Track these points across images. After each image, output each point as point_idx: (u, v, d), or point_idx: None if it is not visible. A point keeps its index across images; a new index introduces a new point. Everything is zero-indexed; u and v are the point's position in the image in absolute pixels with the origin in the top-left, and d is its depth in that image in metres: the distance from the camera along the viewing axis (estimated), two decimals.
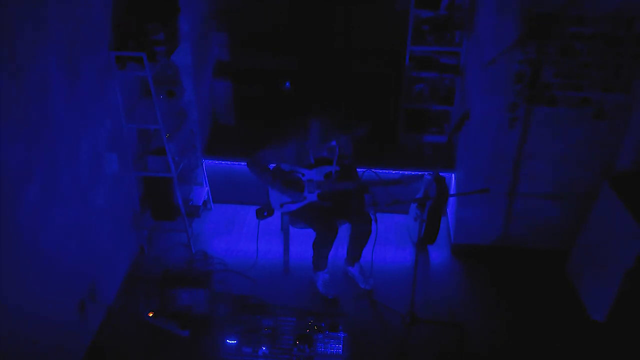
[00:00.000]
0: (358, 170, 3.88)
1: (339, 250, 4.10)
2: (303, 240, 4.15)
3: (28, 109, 2.62)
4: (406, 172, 4.10)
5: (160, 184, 3.95)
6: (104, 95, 3.41)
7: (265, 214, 3.87)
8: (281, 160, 3.71)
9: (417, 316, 3.57)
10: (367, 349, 3.49)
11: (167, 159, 3.80)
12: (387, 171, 4.20)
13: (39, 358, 2.89)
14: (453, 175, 4.47)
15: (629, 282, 3.34)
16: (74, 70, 3.01)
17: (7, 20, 2.41)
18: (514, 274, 4.12)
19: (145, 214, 4.12)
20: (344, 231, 3.98)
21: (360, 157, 3.97)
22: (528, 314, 3.78)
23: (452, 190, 4.47)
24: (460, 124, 3.71)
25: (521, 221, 4.12)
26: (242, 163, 4.48)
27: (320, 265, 3.86)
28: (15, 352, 2.68)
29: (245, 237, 4.41)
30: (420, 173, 3.68)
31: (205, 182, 4.61)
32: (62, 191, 2.98)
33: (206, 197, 4.63)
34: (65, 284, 3.10)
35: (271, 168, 3.75)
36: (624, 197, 3.50)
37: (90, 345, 3.39)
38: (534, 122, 3.71)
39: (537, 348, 3.55)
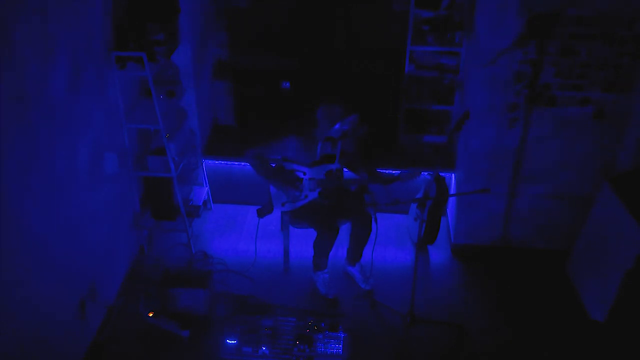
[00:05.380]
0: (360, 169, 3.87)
1: (339, 250, 4.10)
2: (303, 240, 4.15)
3: (28, 109, 2.62)
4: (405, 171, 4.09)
5: (160, 184, 3.95)
6: (104, 96, 3.42)
7: (266, 212, 3.87)
8: (282, 157, 3.70)
9: (417, 316, 3.57)
10: (367, 349, 3.49)
11: (167, 159, 3.80)
12: (387, 171, 4.20)
13: (39, 358, 2.89)
14: (453, 175, 4.47)
15: (629, 282, 3.34)
16: (74, 70, 3.01)
17: (6, 20, 2.41)
18: (514, 274, 4.12)
19: (145, 214, 4.12)
20: (344, 231, 3.98)
21: (360, 157, 3.96)
22: (528, 314, 3.78)
23: (452, 190, 4.47)
24: (460, 124, 3.71)
25: (521, 221, 4.12)
26: (242, 163, 4.49)
27: (320, 265, 3.86)
28: (15, 351, 2.68)
29: (245, 237, 4.41)
30: (417, 169, 3.67)
31: (205, 182, 4.61)
32: (62, 191, 2.98)
33: (206, 197, 4.63)
34: (65, 284, 3.10)
35: (274, 166, 3.75)
36: (624, 197, 3.50)
37: (90, 345, 3.39)
38: (534, 122, 3.71)
39: (537, 348, 3.55)
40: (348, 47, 4.70)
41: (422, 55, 4.32)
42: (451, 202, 4.46)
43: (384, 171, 3.86)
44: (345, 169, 3.84)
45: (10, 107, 2.48)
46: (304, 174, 3.69)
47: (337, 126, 3.53)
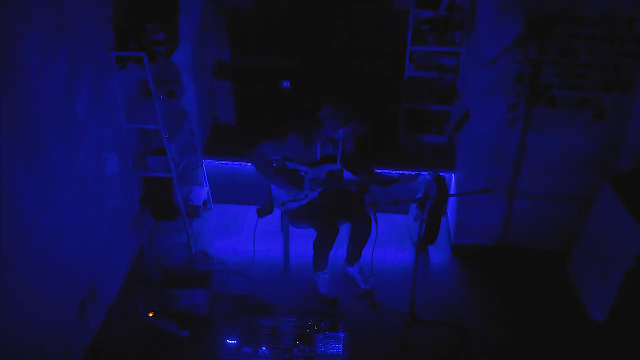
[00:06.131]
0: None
1: (339, 250, 4.10)
2: (303, 240, 4.15)
3: (28, 109, 2.62)
4: (405, 172, 4.09)
5: (160, 184, 3.95)
6: (104, 95, 3.41)
7: (266, 212, 3.87)
8: (284, 156, 3.70)
9: (417, 316, 3.57)
10: (367, 349, 3.49)
11: (167, 159, 3.80)
12: (387, 171, 4.20)
13: (39, 358, 2.89)
14: (453, 175, 4.47)
15: (629, 282, 3.34)
16: (74, 70, 3.01)
17: (6, 20, 2.41)
18: (514, 274, 4.12)
19: (145, 214, 4.12)
20: (344, 231, 3.98)
21: (360, 158, 3.96)
22: (528, 314, 3.78)
23: (452, 190, 4.47)
24: (460, 124, 3.71)
25: (521, 221, 4.12)
26: (242, 163, 4.49)
27: (320, 265, 3.86)
28: (15, 352, 2.68)
29: (245, 237, 4.41)
30: (416, 172, 3.68)
31: (205, 182, 4.61)
32: (62, 191, 2.98)
33: (206, 197, 4.63)
34: (65, 284, 3.10)
35: (275, 166, 3.75)
36: (624, 197, 3.50)
37: (90, 346, 3.39)
38: (534, 122, 3.71)
39: (537, 348, 3.55)
40: (348, 47, 4.71)
41: (422, 55, 4.32)
42: (451, 202, 4.46)
43: (383, 172, 3.86)
44: (345, 170, 3.84)
45: (10, 108, 2.48)
46: (305, 173, 3.69)
47: (340, 130, 3.53)
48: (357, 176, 3.78)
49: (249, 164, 3.75)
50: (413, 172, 3.66)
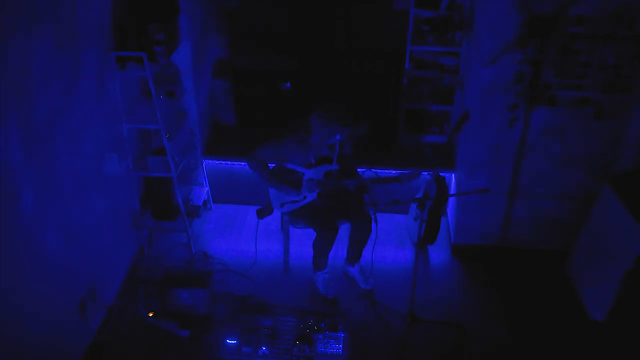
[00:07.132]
0: (358, 169, 3.87)
1: (339, 250, 4.10)
2: (303, 240, 4.15)
3: (28, 109, 2.62)
4: (405, 172, 4.10)
5: (160, 184, 3.96)
6: (104, 95, 3.42)
7: (266, 213, 3.87)
8: (281, 158, 3.70)
9: (417, 316, 3.57)
10: (367, 349, 3.49)
11: (167, 159, 3.80)
12: (387, 171, 4.20)
13: (39, 358, 2.89)
14: (453, 175, 4.47)
15: (629, 282, 3.34)
16: (74, 70, 3.01)
17: (6, 20, 2.41)
18: (514, 274, 4.12)
19: (145, 214, 4.12)
20: (344, 231, 3.99)
21: (360, 157, 3.97)
22: (528, 314, 3.78)
23: (452, 190, 4.47)
24: (460, 124, 3.71)
25: (521, 221, 4.12)
26: (242, 163, 4.49)
27: (320, 265, 3.86)
28: (15, 351, 2.68)
29: (245, 237, 4.41)
30: (417, 170, 3.67)
31: (205, 182, 4.61)
32: (62, 191, 2.98)
33: (206, 197, 4.63)
34: (65, 284, 3.10)
35: (272, 167, 3.75)
36: (624, 197, 3.50)
37: (90, 345, 3.39)
38: (534, 122, 3.71)
39: (537, 348, 3.55)
40: (348, 47, 4.71)
41: (422, 55, 4.32)
42: (451, 202, 4.46)
43: (382, 172, 3.86)
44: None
45: (10, 108, 2.48)
46: (303, 174, 3.69)
47: (329, 139, 3.53)
48: (352, 179, 3.76)
49: (248, 167, 3.75)
50: (414, 171, 3.65)
